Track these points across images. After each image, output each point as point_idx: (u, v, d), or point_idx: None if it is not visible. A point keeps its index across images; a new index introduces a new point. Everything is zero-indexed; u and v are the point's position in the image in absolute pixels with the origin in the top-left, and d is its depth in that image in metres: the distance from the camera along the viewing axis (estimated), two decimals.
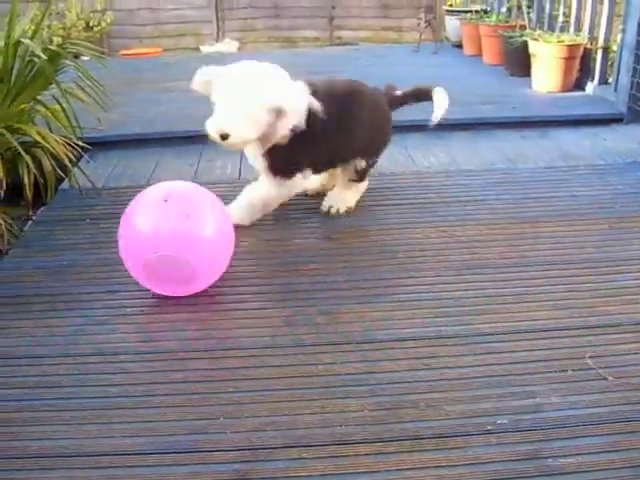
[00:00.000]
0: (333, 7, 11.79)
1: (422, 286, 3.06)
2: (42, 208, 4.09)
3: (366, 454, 2.10)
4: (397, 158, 4.68)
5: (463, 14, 8.19)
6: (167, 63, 8.47)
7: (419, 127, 5.11)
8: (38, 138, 3.78)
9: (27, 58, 3.96)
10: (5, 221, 3.70)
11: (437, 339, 2.67)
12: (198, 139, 4.98)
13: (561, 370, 2.46)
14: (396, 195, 4.04)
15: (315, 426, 2.22)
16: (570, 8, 6.43)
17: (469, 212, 3.77)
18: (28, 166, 3.84)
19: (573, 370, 2.46)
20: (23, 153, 3.71)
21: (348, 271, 3.20)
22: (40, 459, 2.13)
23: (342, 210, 3.77)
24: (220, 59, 9.06)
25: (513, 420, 2.21)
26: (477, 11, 7.98)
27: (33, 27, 4.20)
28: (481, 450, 2.09)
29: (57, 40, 3.98)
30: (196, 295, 3.01)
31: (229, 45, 11.39)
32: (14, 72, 3.96)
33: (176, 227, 2.90)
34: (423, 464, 2.05)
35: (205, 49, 11.24)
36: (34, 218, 4.03)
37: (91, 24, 11.31)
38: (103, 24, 11.36)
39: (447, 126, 5.13)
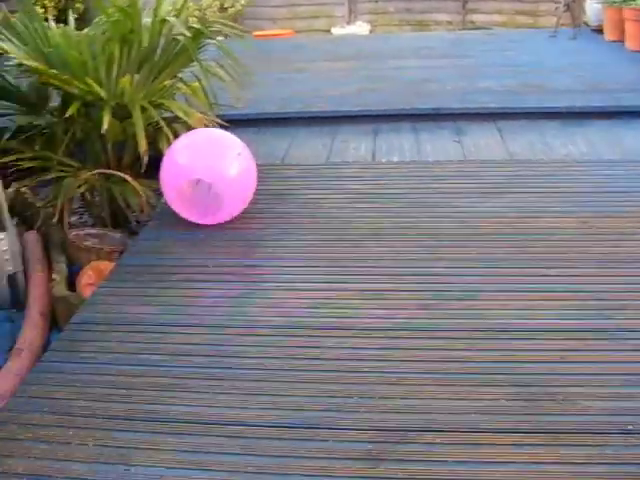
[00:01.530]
0: None
1: (561, 277, 2.97)
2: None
3: (502, 444, 2.05)
4: (534, 145, 4.55)
5: None
6: (299, 45, 8.54)
7: (556, 114, 5.00)
8: (180, 113, 3.87)
9: (171, 36, 4.05)
10: (146, 193, 3.82)
11: (576, 332, 2.57)
12: (332, 120, 5.06)
13: None
14: (533, 183, 3.93)
15: (450, 412, 2.18)
16: None
17: (611, 203, 3.62)
18: (168, 140, 3.94)
19: None
20: (166, 127, 3.81)
21: (483, 257, 3.14)
22: (178, 424, 2.19)
23: None
24: (351, 41, 9.12)
25: None
26: None
27: (178, 7, 4.30)
28: (621, 450, 2.01)
29: (193, 20, 4.04)
30: (331, 273, 3.03)
31: (361, 28, 11.37)
32: (159, 50, 4.06)
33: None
34: (560, 459, 1.98)
35: (336, 31, 11.26)
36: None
37: (225, 5, 11.51)
38: (237, 5, 11.54)
39: (586, 114, 4.99)
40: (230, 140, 3.66)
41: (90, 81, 3.65)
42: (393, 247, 3.27)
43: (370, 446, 2.06)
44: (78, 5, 11.25)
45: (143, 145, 3.62)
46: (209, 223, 3.52)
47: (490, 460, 1.99)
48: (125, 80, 3.71)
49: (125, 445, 2.11)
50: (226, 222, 3.56)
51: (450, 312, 2.72)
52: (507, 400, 2.22)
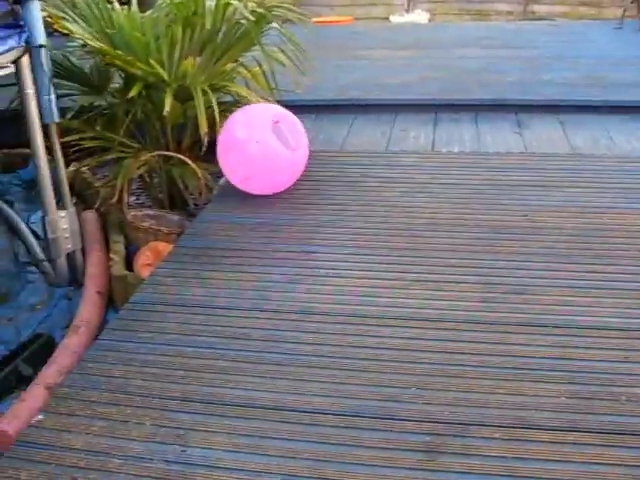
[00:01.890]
0: None
1: (624, 275, 2.90)
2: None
3: (562, 442, 2.01)
4: (597, 140, 4.45)
5: None
6: (358, 32, 8.50)
7: (621, 108, 4.89)
8: (244, 93, 3.87)
9: (234, 19, 4.05)
10: (204, 176, 3.83)
11: (639, 331, 2.50)
12: (392, 108, 5.02)
13: None
14: (596, 177, 3.84)
15: (509, 407, 2.15)
16: None
17: None
18: None
19: None
20: (225, 111, 3.81)
21: (543, 252, 3.08)
22: (235, 407, 2.19)
23: None
24: (410, 30, 9.04)
25: None
26: None
27: None
28: None
29: (252, 5, 4.03)
30: (389, 262, 3.00)
31: (419, 16, 11.27)
32: (221, 33, 4.06)
33: None
34: (622, 461, 1.93)
35: (395, 19, 11.19)
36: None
37: None
38: None
39: None
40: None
41: (153, 62, 3.67)
42: (452, 238, 3.23)
43: (428, 438, 2.03)
44: None
45: (204, 127, 3.64)
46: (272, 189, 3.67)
47: (548, 458, 1.95)
48: (188, 62, 3.72)
49: (181, 426, 2.12)
50: (284, 207, 3.56)
51: (510, 306, 2.67)
52: (567, 398, 2.18)
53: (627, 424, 2.06)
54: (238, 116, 3.77)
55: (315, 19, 10.75)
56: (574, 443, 2.00)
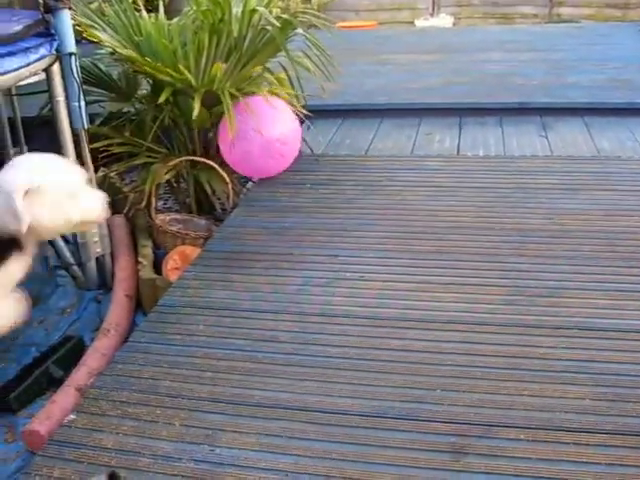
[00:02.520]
0: None
1: None
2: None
3: (587, 444, 2.01)
4: (623, 142, 4.44)
5: None
6: (383, 36, 8.51)
7: None
8: (269, 98, 3.90)
9: (260, 26, 4.09)
10: (232, 181, 3.87)
11: None
12: (417, 112, 5.04)
13: None
14: (623, 180, 3.83)
15: (534, 409, 2.16)
16: None
17: None
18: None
19: None
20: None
21: (569, 255, 3.08)
22: (262, 408, 2.22)
23: None
24: (434, 34, 9.05)
25: None
26: None
27: None
28: None
29: (277, 11, 4.07)
30: (414, 266, 3.03)
31: (444, 20, 11.28)
32: (247, 39, 4.10)
33: None
34: None
35: (420, 23, 11.20)
36: (255, 179, 4.18)
37: None
38: None
39: None
40: None
41: (182, 68, 3.72)
42: (477, 241, 3.24)
43: (453, 439, 2.05)
44: None
45: (233, 131, 3.67)
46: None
47: (574, 460, 1.96)
48: (217, 67, 3.76)
49: (210, 426, 2.15)
50: (310, 211, 3.59)
51: (535, 309, 2.68)
52: (592, 400, 2.18)
53: None
54: None
55: (340, 24, 10.79)
56: (599, 445, 2.00)
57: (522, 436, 2.05)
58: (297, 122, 4.06)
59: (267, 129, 3.83)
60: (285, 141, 3.92)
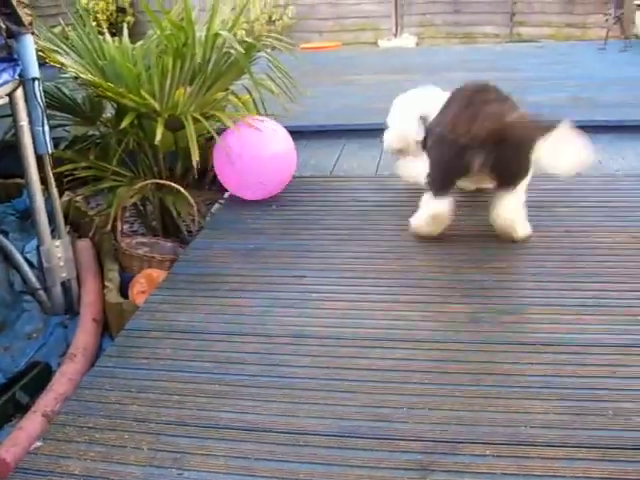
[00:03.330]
0: (514, 2, 11.53)
1: (610, 292, 2.94)
2: (229, 192, 4.25)
3: (551, 458, 2.04)
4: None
5: None
6: (347, 57, 8.60)
7: (607, 128, 4.97)
8: (230, 124, 3.92)
9: (224, 50, 4.12)
10: (197, 203, 3.88)
11: (626, 347, 2.55)
12: (381, 132, 5.08)
13: None
14: (582, 197, 3.90)
15: (499, 424, 2.19)
16: None
17: None
18: None
19: None
20: (217, 138, 3.87)
21: (531, 271, 3.14)
22: (230, 430, 2.23)
23: (519, 234, 3.41)
24: (398, 54, 9.15)
25: None
26: None
27: (230, 21, 4.36)
28: None
29: (242, 33, 4.11)
30: (380, 285, 3.05)
31: (407, 40, 11.40)
32: (211, 62, 4.13)
33: None
34: (611, 475, 1.97)
35: (383, 44, 11.31)
36: (221, 202, 4.20)
37: (273, 18, 11.65)
38: (285, 18, 11.67)
39: (636, 127, 4.95)
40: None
41: (144, 93, 3.73)
42: (442, 260, 3.28)
43: (420, 457, 2.07)
44: (129, 18, 11.52)
45: (196, 155, 3.68)
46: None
47: (540, 474, 1.99)
48: (179, 92, 3.78)
49: (178, 450, 2.15)
50: (276, 232, 3.61)
51: (499, 325, 2.72)
52: (557, 414, 2.22)
53: (615, 438, 2.10)
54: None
55: (304, 45, 10.90)
56: (564, 458, 2.04)
57: (487, 452, 2.08)
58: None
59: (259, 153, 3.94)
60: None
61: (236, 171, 3.96)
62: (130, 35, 4.35)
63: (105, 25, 10.70)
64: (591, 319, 2.74)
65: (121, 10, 11.69)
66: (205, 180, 4.33)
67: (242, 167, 3.91)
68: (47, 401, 2.73)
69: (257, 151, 3.93)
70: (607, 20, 8.67)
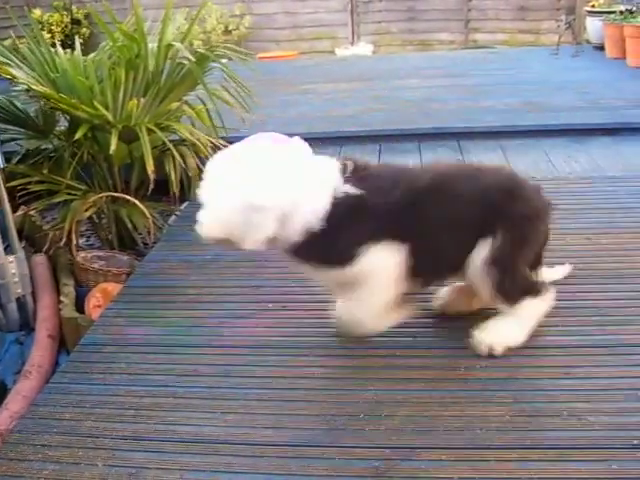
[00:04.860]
0: (469, 10, 11.65)
1: (564, 294, 2.96)
2: (185, 204, 4.24)
3: (507, 460, 2.05)
4: (537, 163, 4.59)
5: (606, 15, 7.92)
6: (303, 66, 8.63)
7: (559, 132, 5.05)
8: (186, 134, 3.91)
9: (177, 60, 4.11)
10: (152, 215, 3.86)
11: (579, 348, 2.58)
12: (337, 140, 5.11)
13: None
14: None
15: (455, 429, 2.19)
16: None
17: (614, 220, 3.63)
18: (174, 162, 3.99)
19: None
20: (173, 149, 3.86)
21: None
22: (186, 443, 2.21)
23: (498, 350, 2.56)
24: (354, 62, 9.20)
25: None
26: (622, 11, 7.69)
27: (183, 31, 4.36)
28: (627, 465, 2.01)
29: (198, 43, 4.11)
30: None
31: (364, 48, 11.47)
32: (164, 73, 4.12)
33: None
34: (566, 474, 1.99)
35: (340, 52, 11.36)
36: (178, 213, 4.18)
37: (230, 28, 11.65)
38: (241, 28, 11.67)
39: (588, 130, 5.04)
40: None
41: (98, 105, 3.71)
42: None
43: (377, 463, 2.07)
44: (84, 30, 11.44)
45: (150, 166, 3.67)
46: None
47: (496, 476, 2.00)
48: (132, 103, 3.77)
49: (134, 465, 2.12)
50: None
51: (452, 329, 2.73)
52: (511, 416, 2.23)
53: (569, 438, 2.12)
54: None
55: (261, 55, 10.91)
56: (520, 460, 2.05)
57: (444, 457, 2.08)
58: None
59: None
60: None
61: None
62: (86, 47, 4.34)
63: (60, 37, 10.62)
64: (544, 321, 2.74)
65: (76, 22, 11.60)
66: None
67: None
68: (2, 420, 2.68)
69: None
70: (559, 26, 8.80)
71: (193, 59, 3.88)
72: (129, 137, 3.89)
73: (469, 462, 2.06)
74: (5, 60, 3.97)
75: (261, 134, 2.65)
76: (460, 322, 2.77)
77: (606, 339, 2.62)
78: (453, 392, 2.37)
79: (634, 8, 7.80)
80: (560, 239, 3.43)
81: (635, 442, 2.08)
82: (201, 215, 2.42)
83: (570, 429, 2.16)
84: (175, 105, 4.20)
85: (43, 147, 4.23)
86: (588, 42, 8.60)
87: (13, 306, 3.57)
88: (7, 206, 3.51)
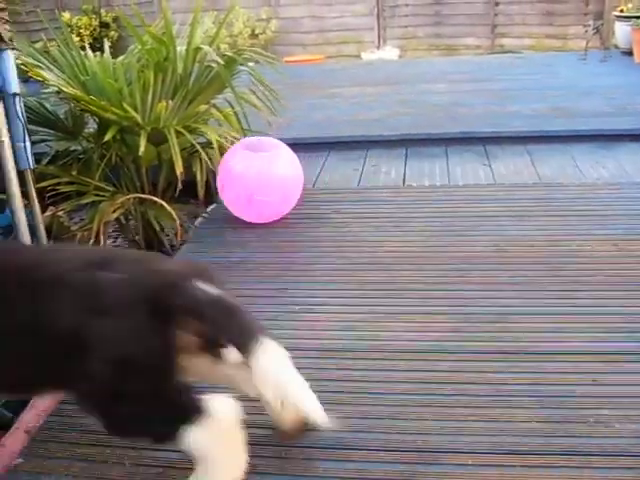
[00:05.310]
0: (496, 14, 11.61)
1: (591, 300, 2.96)
2: (212, 206, 4.26)
3: (534, 466, 2.05)
4: (564, 168, 4.56)
5: (635, 19, 7.85)
6: (330, 70, 8.63)
7: (587, 137, 5.02)
8: (215, 137, 3.93)
9: (205, 63, 4.14)
10: (179, 217, 3.88)
11: (607, 355, 2.56)
12: (363, 144, 5.11)
13: None
14: (564, 206, 3.93)
15: (481, 434, 2.19)
16: None
17: None
18: (201, 165, 4.02)
19: None
20: (201, 151, 3.88)
21: (513, 280, 3.15)
22: None
23: None
24: (380, 66, 9.20)
25: None
26: None
27: (211, 35, 4.39)
28: None
29: (225, 47, 4.14)
30: (362, 297, 3.06)
31: (390, 52, 11.45)
32: (192, 76, 4.14)
33: None
34: None
35: (366, 56, 11.36)
36: (205, 215, 4.20)
37: (256, 32, 11.69)
38: (268, 32, 11.71)
39: (616, 136, 5.00)
40: None
41: (127, 107, 3.73)
42: (424, 270, 3.29)
43: (402, 467, 2.07)
44: (112, 33, 11.53)
45: (179, 168, 3.70)
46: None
47: None
48: (161, 106, 3.79)
49: (160, 464, 2.14)
50: (257, 245, 3.62)
51: (481, 335, 2.73)
52: (539, 422, 2.22)
53: (595, 445, 2.11)
54: None
55: (287, 58, 10.93)
56: (546, 466, 2.04)
57: (470, 461, 2.08)
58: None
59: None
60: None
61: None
62: (115, 50, 4.37)
63: (89, 40, 10.71)
64: (571, 327, 2.75)
65: (104, 25, 11.69)
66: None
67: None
68: (30, 417, 2.70)
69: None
70: (587, 31, 8.73)
71: (221, 62, 3.90)
72: (157, 139, 3.92)
73: (495, 467, 2.05)
74: (36, 63, 4.01)
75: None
76: (488, 327, 2.77)
77: (634, 346, 2.60)
78: (480, 397, 2.36)
79: None
80: (588, 245, 3.43)
81: None
82: None
83: (597, 436, 2.15)
84: (203, 108, 4.22)
85: (72, 149, 4.27)
86: (616, 47, 8.52)
87: None
88: (37, 207, 3.54)
